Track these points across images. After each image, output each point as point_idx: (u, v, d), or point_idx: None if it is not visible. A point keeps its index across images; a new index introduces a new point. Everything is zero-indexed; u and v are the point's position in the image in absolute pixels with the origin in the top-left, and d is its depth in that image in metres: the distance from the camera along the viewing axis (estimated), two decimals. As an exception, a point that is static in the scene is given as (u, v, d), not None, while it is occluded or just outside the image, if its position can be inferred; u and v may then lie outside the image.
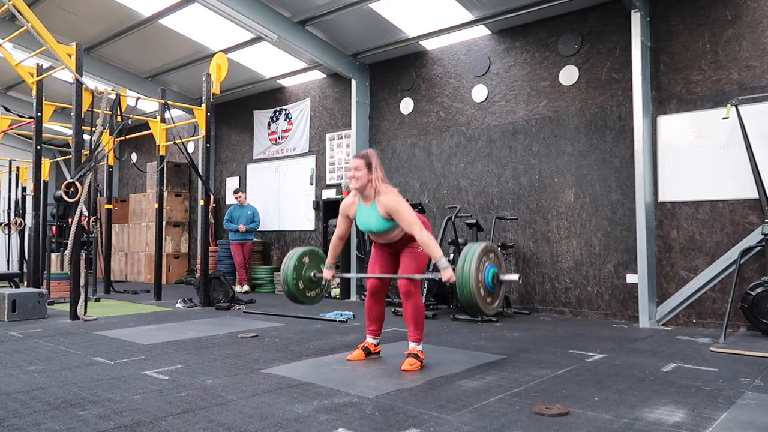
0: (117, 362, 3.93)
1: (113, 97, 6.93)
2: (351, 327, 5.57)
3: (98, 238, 10.24)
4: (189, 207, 11.41)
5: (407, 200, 6.94)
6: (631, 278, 6.02)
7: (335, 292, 8.35)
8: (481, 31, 7.26)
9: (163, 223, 9.15)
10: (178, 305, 7.30)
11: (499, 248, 6.44)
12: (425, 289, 6.38)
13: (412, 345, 3.84)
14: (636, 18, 5.80)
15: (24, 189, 11.10)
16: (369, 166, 3.83)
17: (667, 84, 5.92)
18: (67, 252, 6.21)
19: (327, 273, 4.20)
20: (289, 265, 4.25)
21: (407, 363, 3.74)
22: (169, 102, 8.05)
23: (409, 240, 3.88)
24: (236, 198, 9.48)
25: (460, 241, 6.69)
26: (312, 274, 4.32)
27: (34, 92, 6.95)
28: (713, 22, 5.67)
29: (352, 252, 8.17)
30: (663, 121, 5.91)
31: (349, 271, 8.17)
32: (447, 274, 3.62)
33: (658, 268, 5.89)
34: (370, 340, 4.12)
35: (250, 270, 9.59)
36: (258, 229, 9.86)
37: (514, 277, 3.77)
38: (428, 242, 3.70)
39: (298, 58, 8.68)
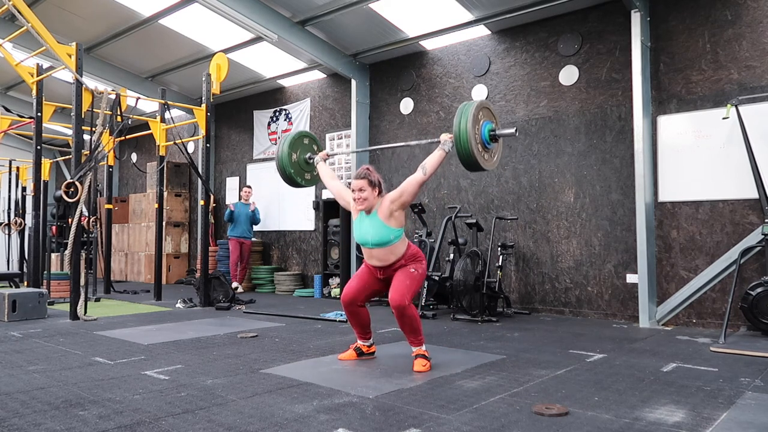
0: (117, 362, 3.93)
1: (113, 97, 6.93)
2: (351, 327, 5.55)
3: (98, 238, 10.24)
4: (189, 207, 11.41)
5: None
6: (631, 278, 6.02)
7: (335, 292, 8.35)
8: (481, 31, 7.26)
9: (163, 223, 9.15)
10: (178, 305, 7.30)
11: (500, 248, 6.46)
12: (425, 289, 6.38)
13: (419, 348, 3.80)
14: (636, 18, 5.80)
15: (24, 189, 11.10)
16: (372, 183, 3.81)
17: (667, 84, 5.92)
18: (67, 252, 6.21)
19: (322, 154, 4.46)
20: (284, 150, 4.52)
21: (419, 364, 3.69)
22: (169, 102, 8.05)
23: (401, 260, 3.81)
24: (243, 193, 9.39)
25: (460, 241, 6.69)
26: (307, 156, 4.62)
27: (34, 92, 6.95)
28: (713, 22, 5.67)
29: (352, 252, 8.17)
30: (663, 121, 5.91)
31: (348, 275, 8.17)
32: (445, 137, 3.76)
33: (658, 268, 5.89)
34: (361, 342, 4.11)
35: (249, 270, 9.59)
36: (259, 230, 9.86)
37: (511, 130, 3.85)
38: (429, 159, 3.75)
39: (298, 58, 8.68)
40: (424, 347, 3.81)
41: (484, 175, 7.19)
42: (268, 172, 10.02)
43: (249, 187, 9.58)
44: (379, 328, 5.34)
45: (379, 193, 3.85)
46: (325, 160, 4.44)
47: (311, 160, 4.57)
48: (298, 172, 4.58)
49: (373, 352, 4.15)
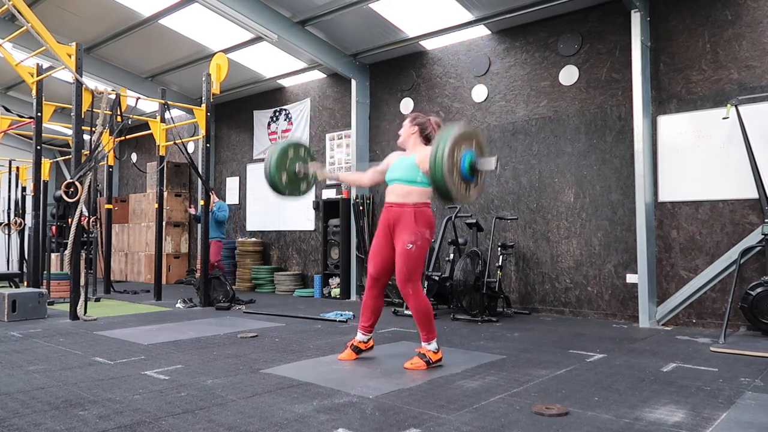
0: (117, 362, 3.93)
1: (113, 97, 6.93)
2: (351, 327, 5.56)
3: (98, 238, 10.23)
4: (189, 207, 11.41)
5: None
6: (631, 278, 6.02)
7: (335, 292, 8.35)
8: (481, 31, 7.25)
9: (163, 223, 9.14)
10: (178, 305, 7.30)
11: (500, 248, 6.46)
12: (425, 289, 6.38)
13: (423, 345, 3.80)
14: (636, 18, 5.81)
15: (24, 189, 11.10)
16: (414, 123, 4.06)
17: (667, 84, 5.92)
18: (67, 252, 6.21)
19: (314, 166, 4.36)
20: (273, 173, 4.23)
21: (411, 361, 3.73)
22: (169, 102, 8.05)
23: (414, 210, 3.81)
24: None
25: (460, 241, 6.69)
26: (296, 169, 4.29)
27: (34, 92, 6.94)
28: (713, 22, 5.67)
29: (352, 252, 8.17)
30: (663, 121, 5.91)
31: (348, 275, 8.17)
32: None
33: (658, 268, 5.89)
34: (359, 337, 4.06)
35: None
36: (259, 229, 9.84)
37: (491, 162, 3.34)
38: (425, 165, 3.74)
39: (298, 58, 8.68)
40: (431, 345, 3.77)
41: (484, 174, 7.18)
42: (268, 172, 10.00)
43: (212, 189, 9.00)
44: (378, 328, 5.33)
45: (425, 139, 4.01)
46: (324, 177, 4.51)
47: (300, 174, 4.31)
48: (294, 187, 4.33)
49: (371, 347, 4.14)
